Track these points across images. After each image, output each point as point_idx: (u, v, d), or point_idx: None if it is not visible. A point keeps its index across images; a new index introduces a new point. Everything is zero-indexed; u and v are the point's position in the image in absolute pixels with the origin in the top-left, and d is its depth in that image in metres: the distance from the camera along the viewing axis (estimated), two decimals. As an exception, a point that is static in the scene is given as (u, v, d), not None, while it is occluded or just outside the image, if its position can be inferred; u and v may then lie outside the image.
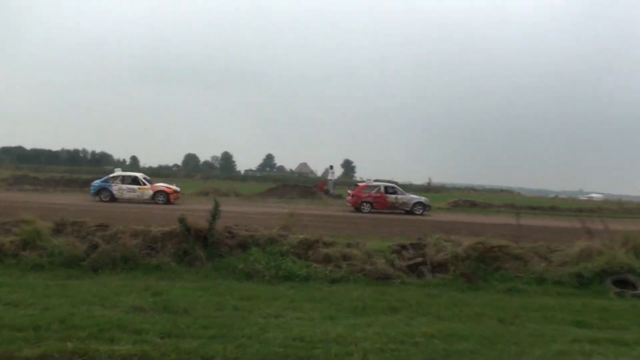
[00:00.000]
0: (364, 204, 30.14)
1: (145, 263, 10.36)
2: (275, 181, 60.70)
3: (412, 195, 32.06)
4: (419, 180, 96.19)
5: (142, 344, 5.91)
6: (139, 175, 31.20)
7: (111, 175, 31.02)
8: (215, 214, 10.92)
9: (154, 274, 9.93)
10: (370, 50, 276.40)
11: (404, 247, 11.37)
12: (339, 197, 38.10)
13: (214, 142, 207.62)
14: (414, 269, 10.64)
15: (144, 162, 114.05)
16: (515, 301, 9.16)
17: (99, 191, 29.66)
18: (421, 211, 30.07)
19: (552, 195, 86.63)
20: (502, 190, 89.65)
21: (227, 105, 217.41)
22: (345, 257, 10.65)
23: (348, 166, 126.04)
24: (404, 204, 30.38)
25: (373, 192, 30.57)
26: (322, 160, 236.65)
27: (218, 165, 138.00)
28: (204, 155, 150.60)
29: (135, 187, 29.65)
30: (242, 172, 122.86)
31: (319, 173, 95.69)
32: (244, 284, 9.61)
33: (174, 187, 30.95)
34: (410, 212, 29.80)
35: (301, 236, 11.29)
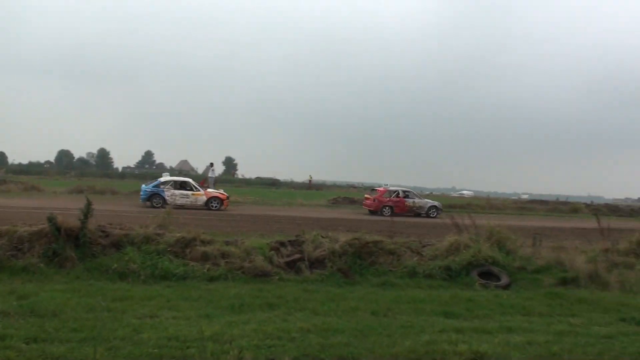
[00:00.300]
0: (385, 207, 31.33)
1: (10, 265, 9.71)
2: (155, 179, 58.99)
3: (427, 200, 34.56)
4: (300, 177, 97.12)
5: (5, 350, 5.59)
6: (191, 180, 29.84)
7: (161, 180, 29.08)
8: (87, 212, 10.46)
9: (20, 277, 9.35)
10: (252, 47, 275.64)
11: (282, 244, 11.45)
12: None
13: (89, 138, 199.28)
14: (292, 266, 10.73)
15: (12, 158, 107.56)
16: (389, 294, 9.47)
17: (151, 197, 27.76)
18: (435, 214, 31.83)
19: (427, 193, 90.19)
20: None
21: (103, 100, 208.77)
22: (224, 255, 10.57)
23: (229, 163, 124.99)
24: (421, 207, 32.32)
25: (392, 196, 32.22)
26: (203, 157, 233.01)
27: (94, 162, 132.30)
28: (78, 152, 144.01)
29: (189, 192, 28.26)
30: (120, 169, 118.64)
31: (200, 170, 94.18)
32: (118, 284, 9.26)
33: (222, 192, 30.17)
34: (426, 215, 31.72)
35: (178, 234, 11.07)
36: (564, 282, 11.22)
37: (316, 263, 10.86)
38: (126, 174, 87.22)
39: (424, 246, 12.41)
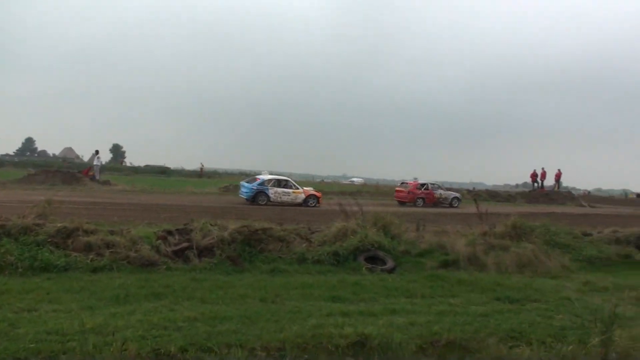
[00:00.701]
0: (419, 199, 34.51)
1: None
2: (36, 167, 55.98)
3: (450, 192, 37.23)
4: (192, 165, 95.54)
5: None
6: (290, 179, 31.41)
7: (265, 178, 30.04)
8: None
9: None
10: (143, 32, 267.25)
11: (170, 232, 11.24)
12: (107, 183, 36.39)
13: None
14: (180, 255, 10.57)
15: None
16: (278, 281, 9.55)
17: (256, 195, 28.62)
18: (457, 204, 35.21)
19: (319, 180, 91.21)
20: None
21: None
22: (109, 245, 10.22)
23: (117, 151, 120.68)
24: (445, 198, 35.46)
25: (423, 189, 35.29)
26: (89, 145, 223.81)
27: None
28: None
29: (290, 190, 29.41)
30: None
31: (86, 158, 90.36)
32: (-7, 278, 8.81)
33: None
34: (449, 205, 34.79)
35: (59, 224, 10.60)
36: (445, 264, 11.74)
37: (205, 251, 10.75)
38: (4, 162, 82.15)
39: (312, 233, 12.59)
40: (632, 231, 15.21)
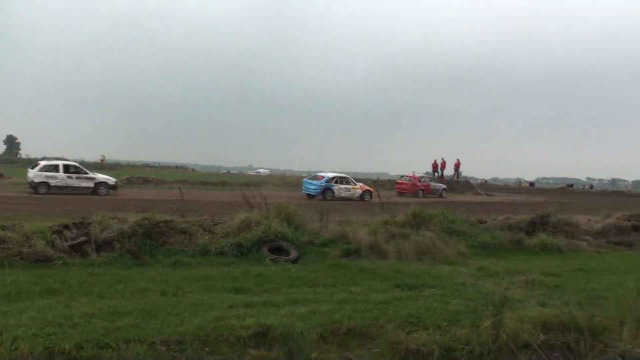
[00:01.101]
0: (420, 190, 40.09)
1: None
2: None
3: (440, 184, 43.45)
4: (92, 157, 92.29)
5: None
6: (349, 176, 36.35)
7: (330, 176, 34.47)
8: None
9: None
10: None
11: (66, 226, 10.83)
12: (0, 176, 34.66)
13: None
14: (77, 249, 10.21)
15: None
16: (180, 274, 9.42)
17: (325, 191, 32.94)
18: (444, 194, 41.52)
19: (225, 171, 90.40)
20: (177, 167, 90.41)
21: None
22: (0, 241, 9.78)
23: (11, 143, 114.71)
24: (437, 189, 41.84)
25: (422, 182, 41.38)
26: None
27: None
28: None
29: (350, 186, 34.13)
30: None
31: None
32: None
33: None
34: (439, 196, 40.31)
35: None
36: (347, 253, 11.95)
37: (104, 245, 10.45)
38: None
39: (216, 224, 12.48)
40: (523, 218, 15.99)
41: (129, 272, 9.38)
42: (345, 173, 39.81)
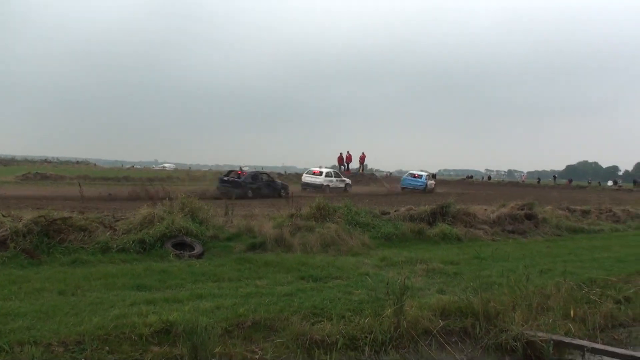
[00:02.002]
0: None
1: None
2: None
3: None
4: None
5: None
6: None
7: (424, 174, 43.84)
8: None
9: None
10: None
11: (-46, 226, 10.26)
12: None
13: None
14: (-33, 249, 9.70)
15: None
16: (79, 272, 9.10)
17: (426, 186, 41.95)
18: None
19: (129, 166, 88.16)
20: (78, 162, 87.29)
21: None
22: None
23: None
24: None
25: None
26: None
27: None
28: None
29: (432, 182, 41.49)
30: None
31: None
32: None
33: None
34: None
35: None
36: (253, 247, 11.93)
37: (-3, 244, 9.95)
38: None
39: (117, 220, 12.13)
40: (424, 209, 16.47)
41: (24, 272, 8.98)
42: (251, 166, 39.65)
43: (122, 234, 11.25)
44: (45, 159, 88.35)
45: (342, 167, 51.05)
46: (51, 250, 10.22)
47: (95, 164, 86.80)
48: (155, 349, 6.02)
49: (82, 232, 10.89)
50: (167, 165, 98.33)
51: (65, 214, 11.24)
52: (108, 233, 11.14)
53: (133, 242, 10.89)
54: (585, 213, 22.74)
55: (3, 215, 10.75)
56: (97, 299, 7.47)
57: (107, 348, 5.87)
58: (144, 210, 12.07)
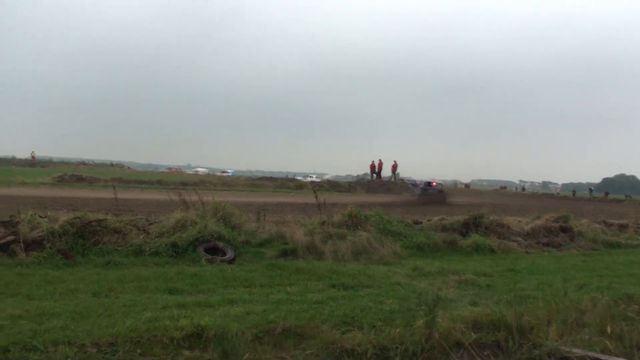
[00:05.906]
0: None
1: None
2: None
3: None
4: (22, 153, 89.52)
5: None
6: None
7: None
8: None
9: None
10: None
11: (-8, 226, 10.48)
12: None
13: None
14: (5, 249, 9.85)
15: None
16: (112, 274, 9.19)
17: None
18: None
19: (161, 170, 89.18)
20: (112, 165, 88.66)
21: None
22: None
23: None
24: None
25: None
26: None
27: None
28: None
29: None
30: None
31: None
32: None
33: None
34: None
35: None
36: (284, 253, 11.93)
37: (33, 245, 10.12)
38: None
39: (150, 224, 12.26)
40: (457, 219, 16.34)
41: (60, 273, 9.12)
42: (283, 173, 39.83)
43: (155, 237, 11.35)
44: (82, 161, 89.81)
45: (374, 175, 50.93)
46: (86, 251, 10.37)
47: (129, 167, 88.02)
48: (187, 352, 6.02)
49: (116, 235, 11.02)
50: (199, 169, 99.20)
51: (100, 216, 11.40)
52: (141, 236, 11.27)
53: (166, 246, 10.98)
54: (623, 227, 22.23)
55: (40, 216, 10.92)
56: (130, 301, 7.51)
57: (139, 350, 5.89)
58: (177, 214, 12.17)
